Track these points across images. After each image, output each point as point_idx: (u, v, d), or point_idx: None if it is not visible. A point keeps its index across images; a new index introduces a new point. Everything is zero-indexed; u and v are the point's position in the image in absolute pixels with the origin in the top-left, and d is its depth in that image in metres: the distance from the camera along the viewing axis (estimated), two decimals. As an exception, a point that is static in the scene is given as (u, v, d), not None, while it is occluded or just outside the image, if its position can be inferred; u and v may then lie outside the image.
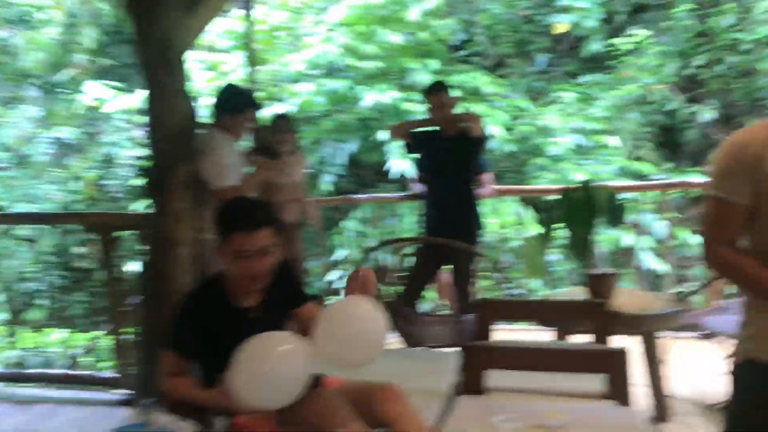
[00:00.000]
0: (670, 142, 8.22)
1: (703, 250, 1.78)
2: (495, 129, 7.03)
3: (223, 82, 7.48)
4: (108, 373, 3.91)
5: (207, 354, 2.10)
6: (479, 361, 2.39)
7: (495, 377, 2.40)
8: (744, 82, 7.49)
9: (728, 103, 7.75)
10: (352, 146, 7.62)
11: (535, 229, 6.29)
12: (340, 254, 6.49)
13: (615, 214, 3.23)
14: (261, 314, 2.14)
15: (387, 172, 7.50)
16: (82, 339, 5.43)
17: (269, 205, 2.25)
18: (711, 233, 1.74)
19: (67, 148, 9.56)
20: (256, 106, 3.65)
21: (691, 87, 7.95)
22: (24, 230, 8.13)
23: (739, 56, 7.42)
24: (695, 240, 6.62)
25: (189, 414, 2.01)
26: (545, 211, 3.45)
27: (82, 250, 8.68)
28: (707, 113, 7.54)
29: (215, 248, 2.16)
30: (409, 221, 5.94)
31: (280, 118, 3.99)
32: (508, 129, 7.45)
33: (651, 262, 6.61)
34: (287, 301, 2.24)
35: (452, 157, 3.92)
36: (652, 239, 6.69)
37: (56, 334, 6.56)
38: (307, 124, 8.12)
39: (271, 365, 1.80)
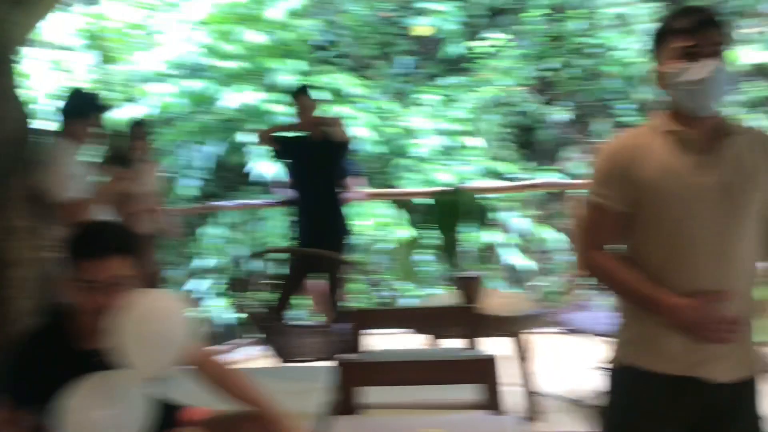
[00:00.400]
0: (527, 141, 8.56)
1: (578, 253, 1.78)
2: (361, 131, 7.00)
3: (71, 83, 7.00)
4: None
5: (46, 403, 1.83)
6: (352, 379, 2.29)
7: (369, 393, 2.31)
8: (592, 84, 7.92)
9: (579, 104, 8.17)
10: (214, 149, 7.31)
11: (405, 232, 6.34)
12: (207, 262, 6.22)
13: (479, 216, 3.25)
14: (108, 358, 1.84)
15: (249, 174, 7.27)
16: None
17: (130, 231, 1.96)
18: (587, 237, 1.74)
19: None
20: (102, 110, 3.35)
21: (546, 89, 8.30)
22: None
23: (587, 59, 7.83)
24: (554, 236, 6.93)
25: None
26: (415, 214, 3.42)
27: None
28: (561, 114, 7.89)
29: (61, 276, 1.89)
30: (274, 225, 5.77)
31: (133, 124, 3.70)
32: (374, 130, 7.44)
33: (515, 258, 6.83)
34: None
35: (318, 162, 3.81)
36: (515, 236, 6.93)
37: None
38: (166, 127, 7.71)
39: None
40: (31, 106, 3.10)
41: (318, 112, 3.85)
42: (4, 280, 2.85)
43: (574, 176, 7.49)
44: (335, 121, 3.77)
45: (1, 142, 2.82)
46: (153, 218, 3.77)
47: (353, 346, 2.96)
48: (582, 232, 1.77)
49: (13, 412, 1.83)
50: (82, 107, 3.15)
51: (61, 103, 3.19)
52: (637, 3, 7.63)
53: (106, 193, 3.22)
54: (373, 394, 2.33)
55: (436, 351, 3.20)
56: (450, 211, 3.21)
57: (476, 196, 3.29)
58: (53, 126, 3.15)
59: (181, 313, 1.79)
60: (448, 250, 3.25)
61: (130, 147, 3.51)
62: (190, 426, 1.97)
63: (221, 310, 6.23)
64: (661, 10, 7.84)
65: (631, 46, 7.49)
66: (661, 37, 1.69)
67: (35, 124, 3.02)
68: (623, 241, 1.75)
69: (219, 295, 6.28)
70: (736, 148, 1.65)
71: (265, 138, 4.16)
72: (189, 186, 7.32)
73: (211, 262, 4.97)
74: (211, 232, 6.31)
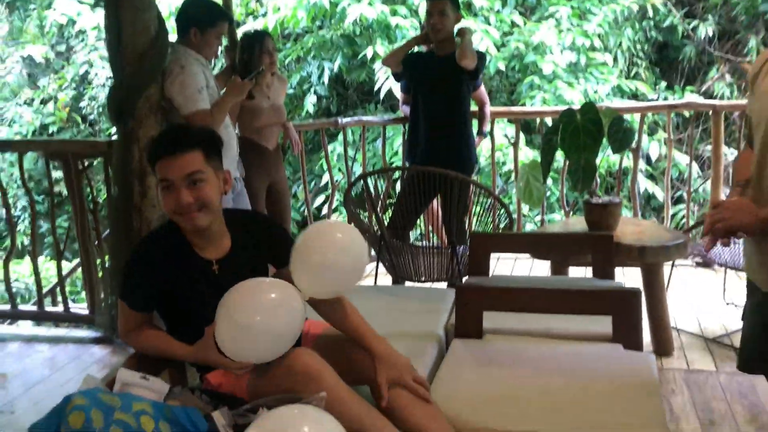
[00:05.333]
0: (665, 59, 7.92)
1: None
2: (486, 45, 6.69)
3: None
4: (81, 310, 3.71)
5: (166, 306, 1.86)
6: (476, 303, 2.21)
7: (492, 318, 2.23)
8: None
9: (728, 18, 7.42)
10: (336, 65, 7.25)
11: (529, 153, 6.09)
12: (327, 179, 6.27)
13: (622, 139, 3.00)
14: (226, 267, 1.84)
15: (373, 91, 7.16)
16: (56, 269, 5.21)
17: (205, 129, 1.90)
18: None
19: (38, 67, 9.08)
20: (229, 20, 3.31)
21: (689, 1, 7.59)
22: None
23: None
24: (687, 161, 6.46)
25: (159, 369, 1.80)
26: (544, 134, 3.20)
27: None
28: (705, 29, 7.22)
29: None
30: (398, 144, 5.70)
31: (261, 36, 3.62)
32: (500, 46, 7.10)
33: (645, 184, 6.46)
34: (263, 257, 1.93)
35: (442, 79, 3.65)
36: (644, 161, 6.52)
37: (27, 265, 6.33)
38: (288, 41, 7.71)
39: (261, 317, 1.54)
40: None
41: (456, 25, 3.66)
42: (144, 187, 2.95)
43: (715, 97, 6.88)
44: (463, 34, 3.58)
45: (139, 52, 2.84)
46: (279, 133, 3.74)
47: (475, 270, 2.87)
48: None
49: (135, 313, 1.84)
50: (207, 16, 3.10)
51: (185, 13, 3.13)
52: None
53: (231, 106, 3.21)
54: (497, 319, 2.25)
55: (567, 280, 3.06)
56: (585, 133, 2.97)
57: (617, 117, 3.01)
58: (177, 36, 3.12)
59: (357, 246, 1.72)
60: (580, 176, 3.03)
61: (257, 59, 3.45)
62: (308, 336, 1.96)
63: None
64: None
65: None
66: None
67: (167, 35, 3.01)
68: None
69: (335, 211, 6.36)
70: None
71: (391, 62, 3.98)
72: (310, 103, 7.35)
73: (332, 178, 4.94)
74: (331, 149, 6.33)
